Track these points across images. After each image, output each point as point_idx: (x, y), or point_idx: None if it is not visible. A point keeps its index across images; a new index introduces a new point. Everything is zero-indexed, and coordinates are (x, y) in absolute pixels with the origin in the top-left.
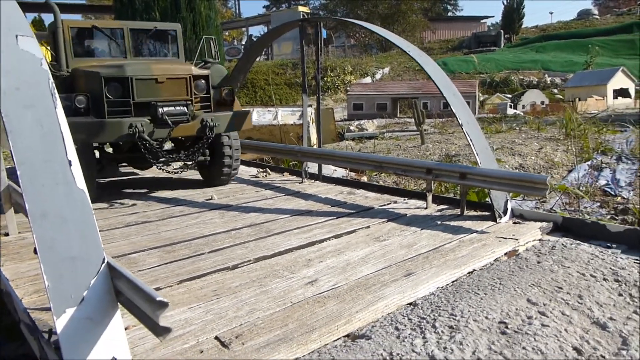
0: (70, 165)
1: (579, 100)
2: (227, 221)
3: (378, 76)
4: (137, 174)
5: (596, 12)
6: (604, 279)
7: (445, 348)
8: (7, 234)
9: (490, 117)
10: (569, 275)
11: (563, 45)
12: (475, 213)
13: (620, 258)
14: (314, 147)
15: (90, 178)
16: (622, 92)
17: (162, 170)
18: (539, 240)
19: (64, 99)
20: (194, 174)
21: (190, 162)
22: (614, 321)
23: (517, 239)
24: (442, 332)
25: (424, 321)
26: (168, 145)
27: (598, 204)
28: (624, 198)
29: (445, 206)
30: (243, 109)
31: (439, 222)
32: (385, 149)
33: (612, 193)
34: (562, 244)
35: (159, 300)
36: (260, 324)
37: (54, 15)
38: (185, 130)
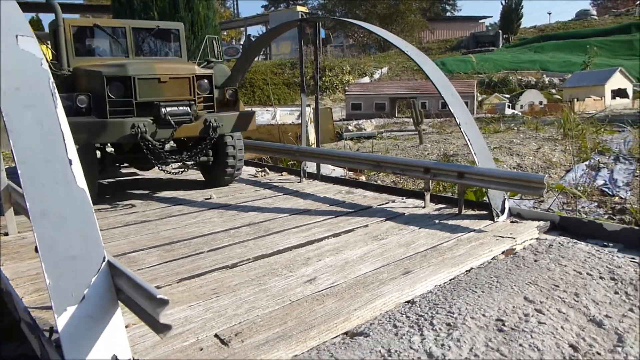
0: (70, 164)
1: (577, 100)
2: (226, 220)
3: (376, 76)
4: (137, 174)
5: (594, 12)
6: (601, 277)
7: (442, 345)
8: (6, 234)
9: (488, 117)
10: (566, 274)
11: (561, 46)
12: (473, 212)
13: (617, 257)
14: (313, 146)
15: (92, 179)
16: (620, 93)
17: (164, 171)
18: (536, 239)
19: (65, 98)
20: (194, 174)
21: (189, 163)
22: (610, 319)
23: (514, 238)
24: (440, 329)
25: (422, 319)
26: (168, 146)
27: (596, 203)
28: (621, 198)
29: (443, 205)
30: (247, 110)
31: (437, 221)
32: (383, 148)
33: (610, 193)
34: (559, 243)
35: (159, 298)
36: (259, 321)
37: (55, 14)
38: (188, 131)
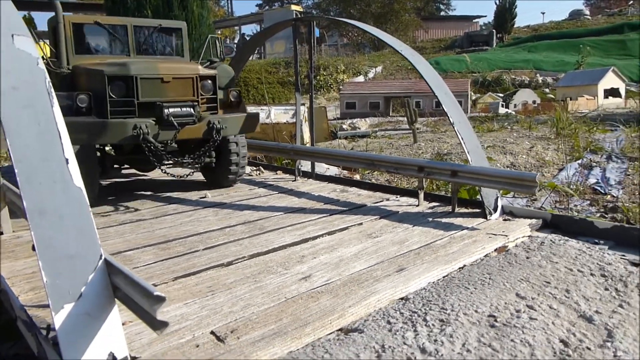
0: (67, 163)
1: (570, 99)
2: (221, 219)
3: (371, 75)
4: (133, 175)
5: (587, 12)
6: (591, 274)
7: (435, 341)
8: (1, 233)
9: (482, 116)
10: (557, 271)
11: (555, 45)
12: (466, 210)
13: (607, 254)
14: (307, 145)
15: (93, 180)
16: (612, 92)
17: (167, 173)
18: (529, 236)
19: (65, 97)
20: (184, 171)
21: (198, 165)
22: (600, 314)
23: (506, 236)
24: (433, 325)
25: (416, 315)
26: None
27: (588, 202)
28: (613, 196)
29: (437, 203)
30: (252, 112)
31: (430, 219)
32: (377, 147)
33: (602, 191)
34: (551, 240)
35: (156, 295)
36: (255, 318)
37: (56, 12)
38: (191, 133)
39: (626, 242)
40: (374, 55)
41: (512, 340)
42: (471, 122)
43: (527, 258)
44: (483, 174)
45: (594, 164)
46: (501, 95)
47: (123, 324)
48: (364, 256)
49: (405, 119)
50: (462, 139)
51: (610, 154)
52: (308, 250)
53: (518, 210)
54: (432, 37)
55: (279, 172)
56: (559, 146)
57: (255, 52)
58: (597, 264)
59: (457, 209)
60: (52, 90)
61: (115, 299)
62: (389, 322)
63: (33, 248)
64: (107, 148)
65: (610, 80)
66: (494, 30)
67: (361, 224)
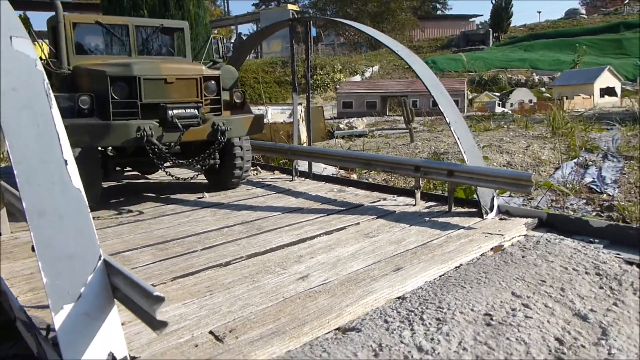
0: (66, 164)
1: (566, 98)
2: (219, 219)
3: (367, 74)
4: (132, 176)
5: (583, 11)
6: (586, 273)
7: (432, 339)
8: None
9: (478, 115)
10: (552, 269)
11: (551, 44)
12: (462, 209)
13: (602, 253)
14: (304, 145)
15: (96, 183)
16: (608, 91)
17: (171, 176)
18: (524, 235)
19: (66, 98)
20: (188, 174)
21: (203, 168)
22: (595, 313)
23: (502, 235)
24: (430, 324)
25: (412, 314)
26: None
27: (584, 200)
28: (609, 195)
29: (434, 203)
30: (256, 113)
31: (427, 219)
32: (374, 146)
33: (598, 190)
34: (546, 239)
35: (155, 295)
36: (253, 318)
37: (56, 11)
38: (195, 135)
39: (621, 240)
40: (370, 54)
41: (507, 339)
42: (468, 121)
43: (523, 257)
44: (479, 173)
45: (590, 162)
46: (498, 94)
47: (122, 324)
48: (361, 256)
49: (402, 118)
50: (458, 138)
51: (606, 153)
52: (306, 250)
53: (514, 210)
54: (429, 36)
55: (276, 172)
56: (555, 145)
57: (252, 51)
58: (592, 262)
59: (453, 209)
60: (51, 91)
61: (115, 300)
62: (386, 321)
63: (32, 249)
64: (108, 150)
65: (606, 79)
66: (490, 30)
67: (358, 223)
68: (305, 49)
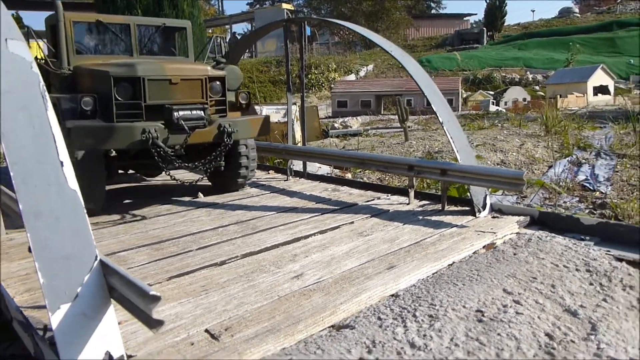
0: (62, 166)
1: (560, 97)
2: (213, 219)
3: (362, 73)
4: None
5: (577, 10)
6: (577, 270)
7: (425, 335)
8: None
9: (473, 114)
10: (543, 266)
11: (544, 43)
12: (455, 208)
13: (593, 250)
14: (299, 144)
15: (99, 187)
16: (601, 89)
17: (178, 180)
18: (516, 233)
19: (68, 100)
20: (192, 177)
21: (209, 170)
22: (584, 308)
23: (495, 233)
24: (422, 320)
25: (405, 311)
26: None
27: (577, 198)
28: (602, 193)
29: (427, 202)
30: (262, 114)
31: (420, 217)
32: (369, 146)
33: (591, 188)
34: (538, 237)
35: (152, 294)
36: (248, 316)
37: (56, 10)
38: (201, 137)
39: (611, 238)
40: (365, 53)
41: (498, 334)
42: (462, 120)
43: (515, 254)
44: (472, 172)
45: (583, 160)
46: (492, 93)
47: (119, 324)
48: (355, 254)
49: (397, 117)
50: (451, 138)
51: (599, 151)
52: (300, 249)
53: (506, 208)
54: (423, 35)
55: (270, 171)
56: (548, 143)
57: (247, 51)
58: (583, 259)
59: (446, 207)
60: (47, 93)
61: (111, 299)
62: (379, 318)
63: (29, 250)
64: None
65: (600, 77)
66: (484, 29)
67: (352, 222)
68: (300, 49)
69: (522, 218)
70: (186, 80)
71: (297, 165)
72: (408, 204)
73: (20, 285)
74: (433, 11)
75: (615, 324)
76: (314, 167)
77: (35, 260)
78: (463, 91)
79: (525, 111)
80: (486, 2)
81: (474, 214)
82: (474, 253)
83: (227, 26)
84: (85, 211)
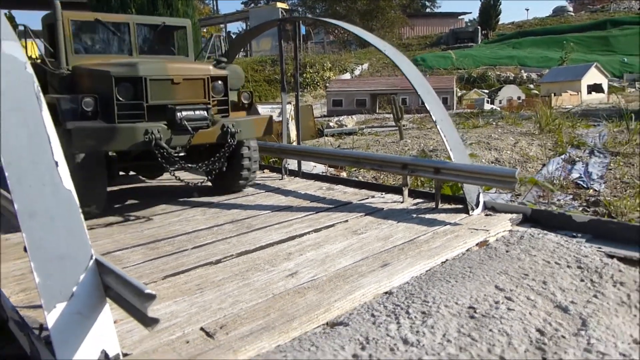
0: (57, 166)
1: (554, 95)
2: (208, 218)
3: (357, 72)
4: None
5: (571, 9)
6: (568, 266)
7: (417, 332)
8: None
9: (467, 113)
10: (535, 263)
11: (539, 42)
12: (449, 206)
13: (584, 246)
14: (294, 144)
15: (101, 189)
16: (595, 88)
17: (182, 181)
18: (509, 230)
19: (68, 100)
20: (195, 178)
21: (214, 172)
22: (575, 304)
23: (488, 230)
24: (415, 317)
25: (399, 308)
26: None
27: (571, 196)
28: (595, 190)
29: (421, 200)
30: (265, 114)
31: (414, 215)
32: (364, 144)
33: (585, 186)
34: (530, 234)
35: (147, 293)
36: (243, 314)
37: (54, 9)
38: (204, 137)
39: (604, 235)
40: (360, 52)
41: (490, 330)
42: (457, 118)
43: (507, 252)
44: (465, 170)
45: (577, 158)
46: (486, 91)
47: (114, 322)
48: (350, 252)
49: (392, 115)
50: (444, 136)
51: (592, 149)
52: (295, 247)
53: (499, 206)
54: (418, 34)
55: (265, 170)
56: (542, 142)
57: (242, 50)
58: (574, 256)
59: (440, 205)
60: (41, 94)
61: (107, 298)
62: (373, 315)
63: (25, 249)
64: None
65: (593, 75)
66: (478, 27)
67: (347, 221)
68: (294, 49)
69: (514, 216)
70: (188, 80)
71: (292, 164)
72: (402, 202)
73: (15, 285)
74: (428, 10)
75: (605, 320)
76: (308, 166)
77: (30, 260)
78: (458, 90)
79: (520, 109)
80: (481, 1)
81: (467, 212)
82: (467, 250)
83: (221, 25)
84: (80, 211)
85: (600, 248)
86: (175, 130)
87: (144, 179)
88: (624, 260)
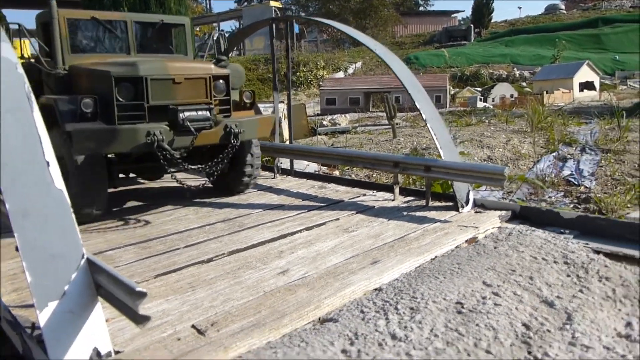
0: (48, 166)
1: (547, 93)
2: (201, 217)
3: (350, 71)
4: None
5: (563, 7)
6: (555, 262)
7: (405, 327)
8: None
9: (460, 111)
10: (522, 259)
11: (531, 40)
12: (439, 204)
13: (571, 242)
14: (286, 142)
15: (102, 191)
16: (587, 85)
17: (181, 183)
18: (498, 227)
19: (67, 101)
20: (197, 180)
21: (217, 173)
22: (561, 299)
23: (477, 227)
24: (404, 313)
25: (388, 304)
26: (178, 154)
27: (562, 193)
28: (586, 187)
29: (412, 198)
30: (267, 114)
31: (405, 213)
32: (357, 143)
33: (576, 183)
34: (518, 231)
35: (138, 291)
36: (234, 312)
37: (50, 7)
38: (207, 138)
39: (590, 231)
40: (353, 51)
41: (477, 325)
42: (450, 116)
43: (495, 248)
44: (455, 168)
45: (569, 156)
46: (479, 89)
47: (106, 321)
48: (340, 250)
49: (385, 114)
50: (434, 134)
51: (584, 146)
52: (286, 245)
53: (489, 203)
54: (411, 32)
55: None
56: (534, 139)
57: (235, 49)
58: (561, 252)
59: (431, 203)
60: (32, 94)
61: (98, 297)
62: (362, 312)
63: (16, 249)
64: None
65: (585, 73)
66: (471, 25)
67: (338, 219)
68: (286, 47)
69: (504, 213)
70: (190, 79)
71: (285, 162)
72: (393, 200)
73: (8, 285)
74: (421, 8)
75: (590, 314)
76: (301, 165)
77: (22, 260)
78: (451, 88)
79: (512, 107)
80: None
81: (457, 209)
82: (456, 247)
83: (214, 24)
84: (71, 210)
85: (587, 244)
86: (178, 131)
87: (143, 181)
88: (610, 255)
